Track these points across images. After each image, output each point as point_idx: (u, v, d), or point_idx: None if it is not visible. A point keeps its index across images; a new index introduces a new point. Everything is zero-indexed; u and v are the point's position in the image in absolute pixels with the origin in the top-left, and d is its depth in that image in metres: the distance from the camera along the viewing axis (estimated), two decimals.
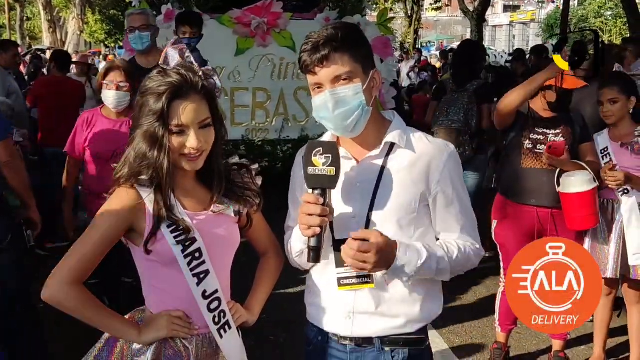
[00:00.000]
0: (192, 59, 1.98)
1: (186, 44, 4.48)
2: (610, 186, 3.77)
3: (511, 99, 3.79)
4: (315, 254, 1.89)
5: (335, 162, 1.87)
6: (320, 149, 1.88)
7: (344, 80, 1.91)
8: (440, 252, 1.99)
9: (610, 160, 3.86)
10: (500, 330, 4.17)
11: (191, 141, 1.89)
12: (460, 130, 5.34)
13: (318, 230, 1.86)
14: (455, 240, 2.05)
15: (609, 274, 3.84)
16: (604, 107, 3.88)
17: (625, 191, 3.80)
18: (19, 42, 22.11)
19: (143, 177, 1.90)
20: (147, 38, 4.80)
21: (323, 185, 1.87)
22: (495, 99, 5.35)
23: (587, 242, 3.91)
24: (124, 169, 1.92)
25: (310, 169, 1.87)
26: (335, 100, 1.91)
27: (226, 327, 2.03)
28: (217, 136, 1.98)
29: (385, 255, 1.89)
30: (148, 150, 1.88)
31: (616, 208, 3.86)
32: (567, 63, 3.70)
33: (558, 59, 3.69)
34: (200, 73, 1.95)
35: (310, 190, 1.91)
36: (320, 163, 1.86)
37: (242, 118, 7.98)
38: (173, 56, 1.95)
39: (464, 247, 2.04)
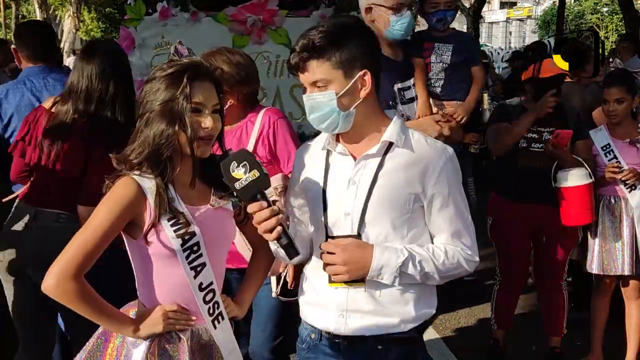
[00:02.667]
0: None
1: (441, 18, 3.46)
2: (629, 182, 3.76)
3: (502, 147, 3.87)
4: (292, 250, 1.91)
5: (254, 164, 1.87)
6: (234, 162, 1.88)
7: (318, 87, 1.95)
8: (423, 255, 1.98)
9: (614, 157, 3.85)
10: (496, 328, 4.18)
11: (207, 121, 1.93)
12: None
13: (280, 229, 1.88)
14: (444, 244, 2.03)
15: (626, 271, 3.83)
16: (610, 106, 3.85)
17: (633, 187, 3.80)
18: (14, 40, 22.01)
19: (163, 155, 1.91)
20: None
21: (256, 190, 1.88)
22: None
23: (596, 242, 3.90)
24: (143, 149, 1.92)
25: (237, 184, 1.87)
26: (310, 105, 1.99)
27: (220, 317, 2.05)
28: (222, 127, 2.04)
29: (356, 256, 1.93)
30: (167, 127, 1.90)
31: (624, 205, 3.85)
32: (567, 63, 3.72)
33: (558, 59, 3.71)
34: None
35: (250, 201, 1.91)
36: (241, 174, 1.87)
37: None
38: (183, 51, 1.99)
39: (453, 252, 2.02)
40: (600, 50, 4.52)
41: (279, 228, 1.87)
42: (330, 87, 1.94)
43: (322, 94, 1.94)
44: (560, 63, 3.72)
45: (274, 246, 2.01)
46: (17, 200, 3.09)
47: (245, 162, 1.87)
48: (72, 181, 2.80)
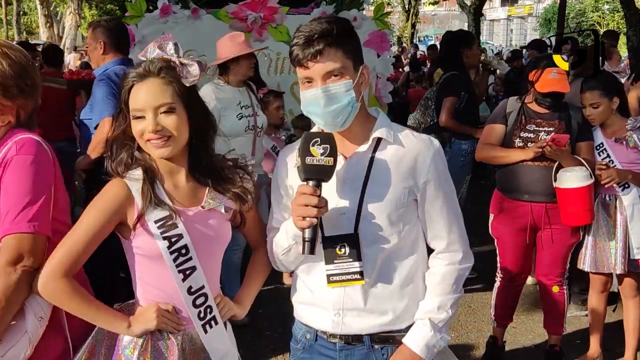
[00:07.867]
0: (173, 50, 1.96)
1: None
2: (605, 184, 3.75)
3: (487, 157, 4.02)
4: (310, 246, 1.88)
5: (333, 153, 1.85)
6: (318, 139, 1.85)
7: (335, 76, 1.90)
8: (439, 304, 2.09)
9: (607, 156, 3.86)
10: (496, 325, 4.17)
11: (148, 125, 1.89)
12: (413, 129, 5.34)
13: (315, 221, 1.85)
14: (435, 274, 2.08)
15: (618, 270, 3.84)
16: (587, 111, 3.88)
17: (626, 186, 3.80)
18: (15, 37, 22.02)
19: (127, 157, 1.97)
20: None
21: (320, 175, 1.85)
22: (463, 94, 5.30)
23: (589, 239, 3.91)
24: (121, 155, 1.98)
25: (308, 159, 1.83)
26: (327, 97, 1.90)
27: (212, 322, 2.04)
28: (198, 126, 1.99)
29: None
30: (123, 139, 1.97)
31: (618, 203, 3.86)
32: (567, 63, 3.72)
33: (558, 59, 3.71)
34: (177, 61, 1.94)
35: (306, 182, 1.88)
36: (318, 153, 1.83)
37: None
38: (151, 50, 1.95)
39: (449, 276, 2.09)
40: (600, 49, 4.50)
41: (314, 220, 1.85)
42: (346, 77, 1.91)
43: (339, 84, 1.90)
44: (560, 63, 3.72)
45: (289, 240, 1.98)
46: None
47: (327, 145, 1.84)
48: None
